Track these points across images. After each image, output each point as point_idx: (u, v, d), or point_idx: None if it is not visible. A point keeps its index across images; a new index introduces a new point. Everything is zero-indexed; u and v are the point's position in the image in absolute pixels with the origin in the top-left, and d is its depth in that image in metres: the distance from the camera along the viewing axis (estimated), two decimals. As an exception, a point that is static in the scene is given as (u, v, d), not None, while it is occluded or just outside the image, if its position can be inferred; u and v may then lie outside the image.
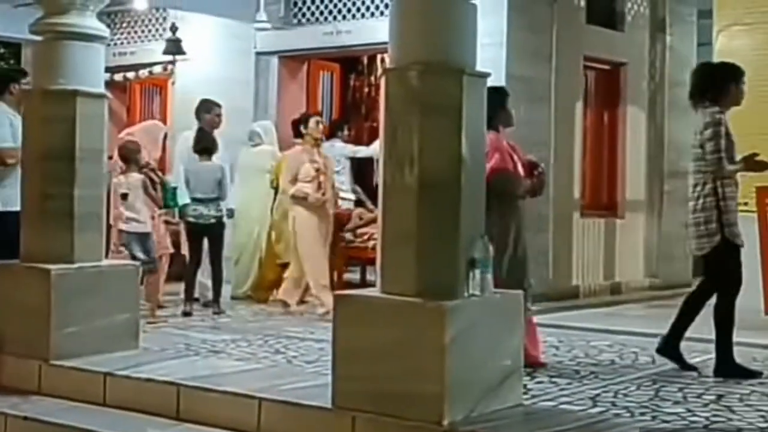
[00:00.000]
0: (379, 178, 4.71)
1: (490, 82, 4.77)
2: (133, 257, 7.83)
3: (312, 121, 8.66)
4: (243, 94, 10.45)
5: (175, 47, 10.73)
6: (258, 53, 10.77)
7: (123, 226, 8.05)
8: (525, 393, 4.96)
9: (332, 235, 8.70)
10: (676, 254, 10.38)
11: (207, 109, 8.90)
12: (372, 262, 8.10)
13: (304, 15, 10.62)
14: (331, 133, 11.21)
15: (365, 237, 9.17)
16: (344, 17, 10.28)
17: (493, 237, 4.78)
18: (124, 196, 8.04)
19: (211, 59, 10.98)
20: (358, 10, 10.19)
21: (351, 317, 4.56)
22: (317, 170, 8.41)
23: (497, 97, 5.70)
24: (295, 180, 8.37)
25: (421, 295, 4.38)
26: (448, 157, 4.47)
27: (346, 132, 11.33)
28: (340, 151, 11.05)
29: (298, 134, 8.83)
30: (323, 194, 8.39)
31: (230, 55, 10.92)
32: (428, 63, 4.48)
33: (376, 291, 4.60)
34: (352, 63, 12.30)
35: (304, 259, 8.28)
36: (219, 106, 8.99)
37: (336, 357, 4.58)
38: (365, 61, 12.30)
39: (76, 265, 5.85)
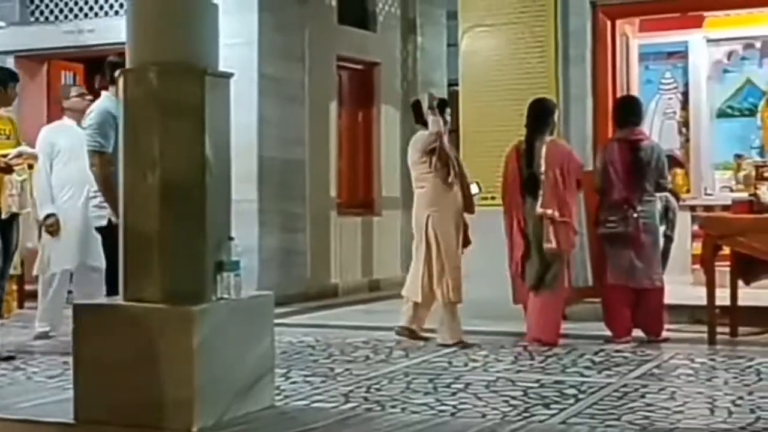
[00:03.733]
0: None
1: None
2: None
3: None
4: (-23, 96, 9.81)
5: None
6: (-9, 53, 10.18)
7: None
8: (278, 394, 4.95)
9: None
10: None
11: None
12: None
13: (42, 13, 10.14)
14: None
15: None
16: (86, 15, 9.90)
17: None
18: None
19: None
20: (101, 8, 9.84)
21: (93, 327, 4.40)
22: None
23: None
24: None
25: (166, 301, 4.28)
26: (191, 158, 4.40)
27: None
28: None
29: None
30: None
31: (-41, 56, 10.25)
32: (167, 63, 4.39)
33: (119, 299, 4.46)
34: (96, 63, 11.83)
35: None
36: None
37: (78, 369, 4.41)
38: (112, 61, 11.90)
39: None
